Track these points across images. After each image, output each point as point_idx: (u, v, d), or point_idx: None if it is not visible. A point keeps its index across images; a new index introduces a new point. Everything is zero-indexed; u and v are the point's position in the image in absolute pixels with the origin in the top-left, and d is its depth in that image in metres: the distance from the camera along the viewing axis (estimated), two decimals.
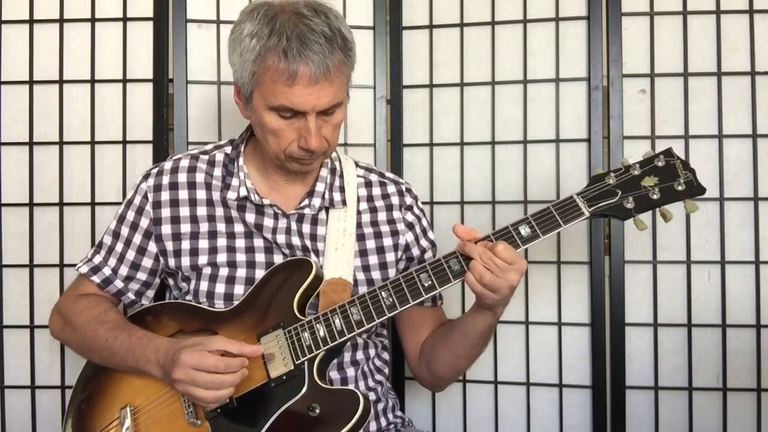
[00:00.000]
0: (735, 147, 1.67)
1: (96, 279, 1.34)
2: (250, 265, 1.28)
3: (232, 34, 1.22)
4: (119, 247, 1.34)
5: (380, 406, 1.35)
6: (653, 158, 1.17)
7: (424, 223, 1.41)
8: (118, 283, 1.34)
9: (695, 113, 1.69)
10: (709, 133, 1.68)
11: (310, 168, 1.29)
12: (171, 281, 1.36)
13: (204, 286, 1.27)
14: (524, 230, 1.16)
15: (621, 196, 1.16)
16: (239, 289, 1.26)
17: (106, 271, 1.34)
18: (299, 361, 1.16)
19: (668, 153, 1.17)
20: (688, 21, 1.69)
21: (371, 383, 1.34)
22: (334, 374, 1.28)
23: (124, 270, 1.33)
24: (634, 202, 1.15)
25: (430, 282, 1.16)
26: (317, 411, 1.14)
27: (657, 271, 1.70)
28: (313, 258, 1.27)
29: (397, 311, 1.16)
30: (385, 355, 1.42)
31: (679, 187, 1.15)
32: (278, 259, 1.27)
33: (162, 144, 1.72)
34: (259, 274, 1.26)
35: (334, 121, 1.22)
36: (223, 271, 1.27)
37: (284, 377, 1.16)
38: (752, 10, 1.67)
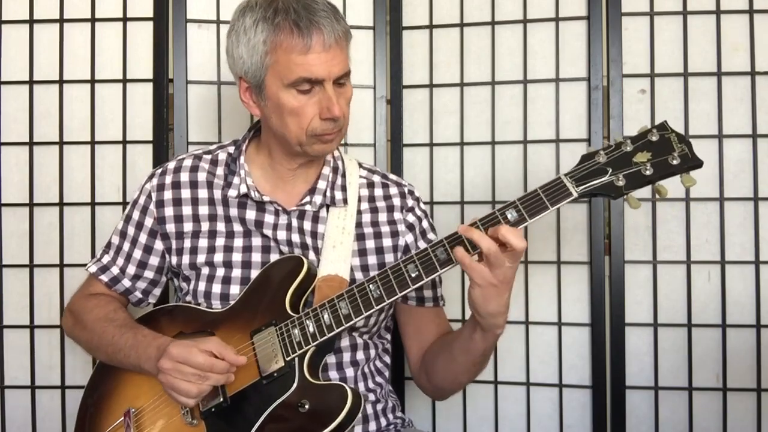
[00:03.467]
0: (735, 147, 1.67)
1: (104, 278, 1.35)
2: (246, 265, 1.28)
3: (232, 30, 1.23)
4: (126, 246, 1.35)
5: (379, 406, 1.35)
6: (646, 133, 1.12)
7: (425, 224, 1.41)
8: (126, 282, 1.35)
9: (695, 113, 1.69)
10: (709, 133, 1.68)
11: (331, 147, 1.27)
12: (176, 281, 1.37)
13: (202, 286, 1.28)
14: (511, 215, 1.12)
15: (611, 174, 1.10)
16: (235, 289, 1.27)
17: (114, 270, 1.35)
18: (289, 358, 1.16)
19: (662, 126, 1.12)
20: (688, 21, 1.69)
21: (371, 385, 1.34)
22: (333, 374, 1.28)
23: (131, 269, 1.35)
24: (625, 179, 1.09)
25: (417, 272, 1.15)
26: (307, 407, 1.13)
27: (657, 271, 1.70)
28: (311, 255, 1.27)
29: (384, 303, 1.16)
30: (386, 358, 1.41)
31: (674, 161, 1.09)
32: (274, 258, 1.28)
33: (162, 144, 1.72)
34: (255, 273, 1.26)
35: (347, 94, 1.25)
36: (220, 272, 1.28)
37: (275, 374, 1.16)
38: (752, 10, 1.67)
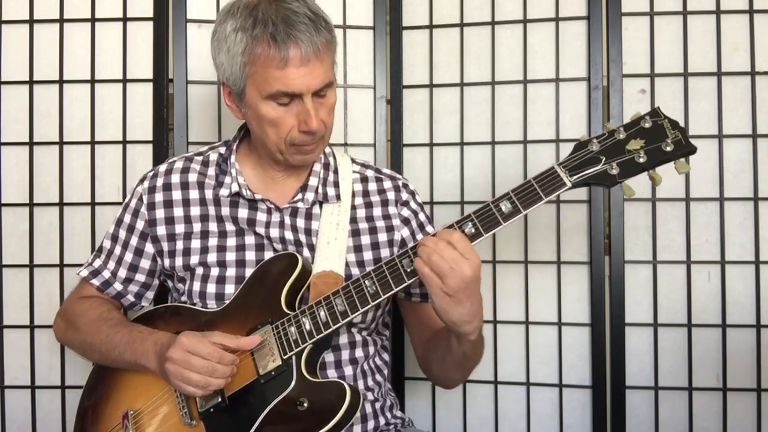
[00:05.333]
0: (735, 147, 1.67)
1: (96, 282, 1.35)
2: (240, 264, 1.28)
3: (214, 35, 1.23)
4: (117, 249, 1.35)
5: (378, 405, 1.35)
6: (639, 120, 1.11)
7: (422, 217, 1.41)
8: (118, 286, 1.35)
9: (695, 113, 1.69)
10: (709, 133, 1.68)
11: (312, 157, 1.29)
12: (170, 283, 1.37)
13: (197, 286, 1.28)
14: (505, 206, 1.11)
15: (605, 163, 1.09)
16: (230, 289, 1.27)
17: (106, 274, 1.35)
18: (287, 356, 1.17)
19: (654, 113, 1.11)
20: (688, 21, 1.69)
21: (370, 383, 1.34)
22: (331, 372, 1.28)
23: (122, 272, 1.35)
24: (619, 167, 1.09)
25: (412, 267, 1.14)
26: (305, 405, 1.14)
27: (657, 271, 1.69)
28: (305, 252, 1.27)
29: (380, 299, 1.15)
30: (385, 356, 1.42)
31: (667, 148, 1.08)
32: (269, 256, 1.28)
33: (162, 144, 1.72)
34: (249, 272, 1.26)
35: (329, 103, 1.23)
36: (214, 271, 1.28)
37: (273, 373, 1.16)
38: (752, 10, 1.67)
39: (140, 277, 1.35)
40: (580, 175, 1.11)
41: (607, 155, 1.10)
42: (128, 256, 1.34)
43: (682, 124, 1.65)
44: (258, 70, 1.17)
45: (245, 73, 1.19)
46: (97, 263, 1.36)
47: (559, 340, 1.73)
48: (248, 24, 1.16)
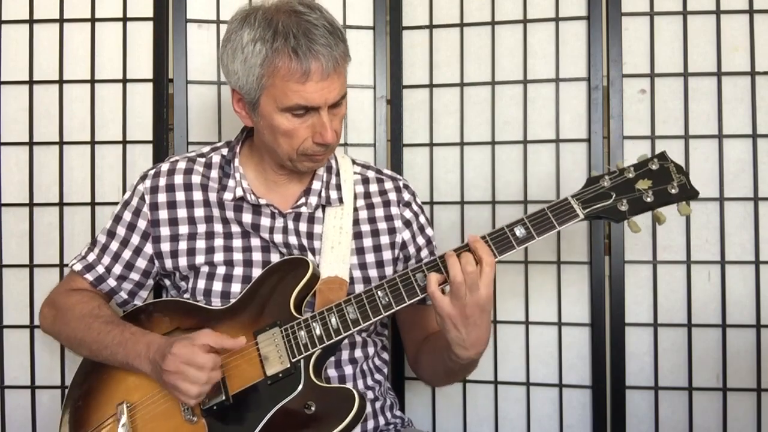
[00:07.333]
0: (735, 147, 1.67)
1: (89, 277, 1.34)
2: (247, 263, 1.28)
3: (228, 42, 1.22)
4: (114, 246, 1.34)
5: (378, 404, 1.35)
6: (647, 161, 1.18)
7: (422, 219, 1.41)
8: (111, 282, 1.34)
9: (695, 113, 1.69)
10: (709, 133, 1.68)
11: (320, 164, 1.30)
12: (167, 281, 1.36)
13: (201, 284, 1.28)
14: (519, 231, 1.16)
15: (615, 199, 1.17)
16: (236, 288, 1.27)
17: (100, 269, 1.34)
18: (295, 359, 1.17)
19: (662, 156, 1.19)
20: (688, 21, 1.69)
21: (370, 382, 1.34)
22: (332, 372, 1.29)
23: (117, 269, 1.34)
24: (628, 204, 1.16)
25: (426, 282, 1.15)
26: (313, 409, 1.14)
27: (657, 271, 1.69)
28: (309, 257, 1.27)
29: (393, 310, 1.16)
30: (385, 355, 1.42)
31: (673, 191, 1.17)
32: (275, 257, 1.28)
33: (162, 144, 1.72)
34: (257, 272, 1.26)
35: (341, 113, 1.24)
36: (221, 270, 1.28)
37: (280, 375, 1.16)
38: (752, 10, 1.67)
39: (135, 276, 1.34)
40: (593, 208, 1.17)
41: (618, 192, 1.17)
42: (126, 254, 1.33)
43: (682, 123, 1.67)
44: (276, 82, 1.17)
45: (262, 85, 1.18)
46: (91, 257, 1.35)
47: (559, 340, 1.73)
48: (268, 35, 1.15)
